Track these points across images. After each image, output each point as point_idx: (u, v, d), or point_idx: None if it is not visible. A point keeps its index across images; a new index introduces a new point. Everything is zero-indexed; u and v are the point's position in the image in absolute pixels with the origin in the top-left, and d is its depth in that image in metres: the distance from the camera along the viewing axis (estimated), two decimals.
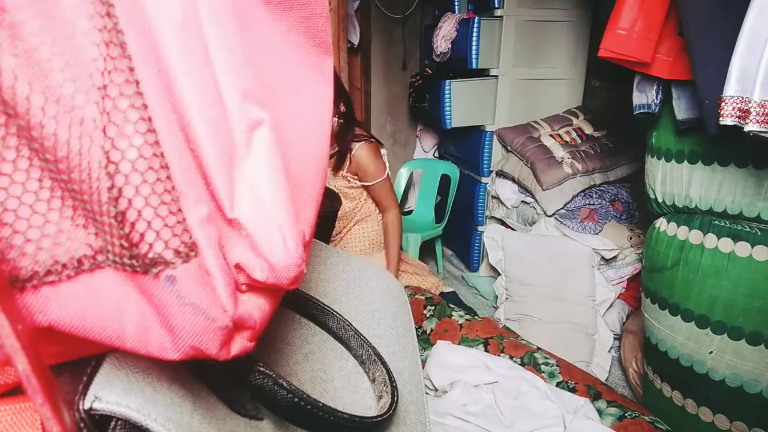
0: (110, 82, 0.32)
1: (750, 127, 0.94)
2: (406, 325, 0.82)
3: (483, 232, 2.50)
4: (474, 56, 2.31)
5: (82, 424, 0.37)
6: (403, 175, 2.86)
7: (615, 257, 2.01)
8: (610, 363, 1.86)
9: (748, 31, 0.95)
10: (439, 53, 2.56)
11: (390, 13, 3.02)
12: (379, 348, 0.68)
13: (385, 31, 3.10)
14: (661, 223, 1.40)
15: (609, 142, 2.31)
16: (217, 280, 0.36)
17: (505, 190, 2.41)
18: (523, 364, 1.22)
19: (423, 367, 1.31)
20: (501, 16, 2.29)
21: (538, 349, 1.28)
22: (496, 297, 2.23)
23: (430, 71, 2.81)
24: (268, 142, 0.40)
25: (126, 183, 0.32)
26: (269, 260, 0.38)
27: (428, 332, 1.38)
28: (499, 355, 1.25)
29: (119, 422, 0.38)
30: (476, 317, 1.43)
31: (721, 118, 1.00)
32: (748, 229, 1.18)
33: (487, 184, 2.53)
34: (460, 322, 1.36)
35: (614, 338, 1.94)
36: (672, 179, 1.33)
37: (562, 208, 2.13)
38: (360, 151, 1.64)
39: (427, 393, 1.24)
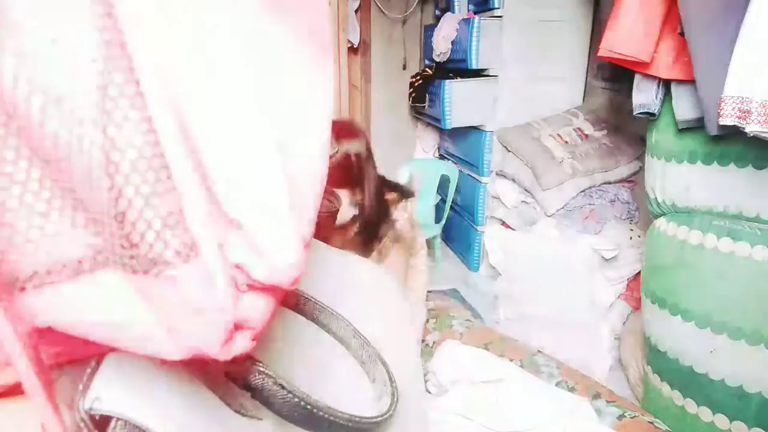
0: (110, 82, 0.32)
1: (751, 127, 0.94)
2: (406, 326, 0.82)
3: (483, 232, 2.50)
4: (474, 56, 2.31)
5: (82, 424, 0.37)
6: (402, 175, 2.86)
7: (615, 257, 2.01)
8: (610, 363, 1.86)
9: (747, 32, 0.95)
10: (439, 53, 2.56)
11: (390, 13, 3.02)
12: (379, 348, 0.68)
13: (385, 31, 3.10)
14: (661, 223, 1.40)
15: (609, 142, 2.31)
16: (217, 280, 0.36)
17: (505, 190, 2.41)
18: (523, 367, 1.22)
19: (427, 363, 1.31)
20: (501, 16, 2.28)
21: (539, 352, 1.28)
22: (496, 297, 2.23)
23: (430, 71, 2.81)
24: (268, 142, 0.40)
25: (126, 183, 0.32)
26: (269, 260, 0.38)
27: (431, 345, 1.40)
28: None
29: (119, 422, 0.38)
30: (475, 323, 1.44)
31: (721, 118, 1.00)
32: (747, 229, 1.18)
33: (487, 184, 2.53)
34: (460, 331, 1.38)
35: (614, 338, 1.94)
36: (672, 179, 1.33)
37: (562, 208, 2.13)
38: (406, 213, 1.32)
39: (429, 391, 1.24)
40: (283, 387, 0.46)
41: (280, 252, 0.39)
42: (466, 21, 2.33)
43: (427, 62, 3.02)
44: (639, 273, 1.96)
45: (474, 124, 2.50)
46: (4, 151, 0.31)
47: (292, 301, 0.67)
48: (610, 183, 2.21)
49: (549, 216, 2.16)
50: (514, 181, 2.36)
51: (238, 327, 0.38)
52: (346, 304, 0.75)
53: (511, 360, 1.25)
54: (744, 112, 0.96)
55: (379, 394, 0.64)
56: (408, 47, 3.17)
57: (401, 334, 0.79)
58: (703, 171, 1.25)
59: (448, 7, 2.63)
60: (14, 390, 0.41)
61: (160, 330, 0.35)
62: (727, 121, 0.99)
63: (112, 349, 0.41)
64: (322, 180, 0.52)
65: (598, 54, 1.32)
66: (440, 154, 3.21)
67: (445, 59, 2.54)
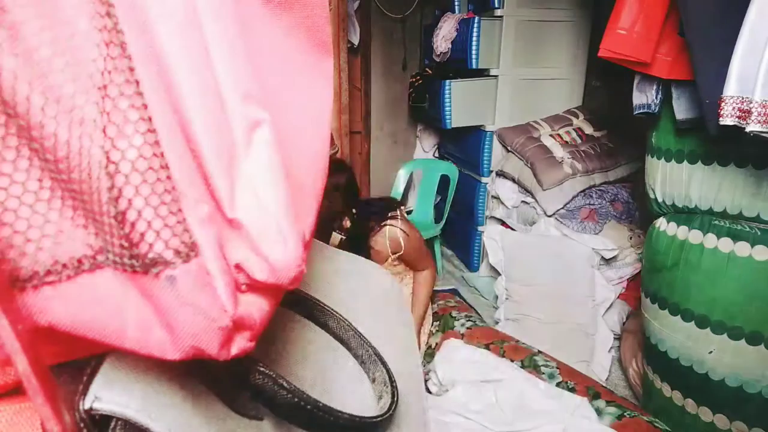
0: (110, 82, 0.32)
1: (752, 127, 0.94)
2: (406, 326, 0.82)
3: (483, 232, 2.50)
4: (474, 56, 2.31)
5: (82, 424, 0.37)
6: (402, 175, 2.86)
7: (615, 257, 2.01)
8: (610, 363, 1.86)
9: (747, 32, 0.95)
10: (439, 53, 2.56)
11: (390, 13, 3.02)
12: (379, 348, 0.68)
13: (385, 31, 3.10)
14: (661, 223, 1.40)
15: (609, 142, 2.31)
16: (217, 280, 0.36)
17: (505, 190, 2.41)
18: (523, 367, 1.23)
19: (428, 364, 1.32)
20: (501, 16, 2.29)
21: (539, 352, 1.29)
22: (496, 297, 2.23)
23: (430, 71, 2.81)
24: (268, 142, 0.40)
25: (126, 183, 0.32)
26: (269, 260, 0.38)
27: (433, 347, 1.41)
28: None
29: (119, 422, 0.38)
30: (477, 323, 1.44)
31: (721, 118, 1.00)
32: (747, 229, 1.18)
33: (487, 184, 2.53)
34: (461, 332, 1.39)
35: (614, 338, 1.94)
36: (672, 179, 1.33)
37: (562, 208, 2.13)
38: (382, 239, 1.43)
39: (429, 390, 1.24)
40: (283, 387, 0.46)
41: (280, 252, 0.39)
42: (466, 21, 2.33)
43: (427, 62, 3.02)
44: (639, 273, 1.96)
45: (474, 124, 2.50)
46: (4, 151, 0.31)
47: (291, 300, 0.67)
48: (609, 183, 2.21)
49: (549, 216, 2.16)
50: (514, 181, 2.36)
51: (237, 327, 0.38)
52: (345, 303, 0.75)
53: (512, 360, 1.25)
54: (744, 112, 0.96)
55: (379, 393, 0.64)
56: (408, 47, 3.17)
57: (401, 334, 0.79)
58: (703, 171, 1.25)
59: (448, 7, 2.63)
60: (14, 390, 0.41)
61: (160, 330, 0.35)
62: (727, 121, 0.99)
63: (112, 349, 0.41)
64: (323, 178, 0.52)
65: (598, 54, 1.32)
66: (440, 154, 3.21)
67: (445, 59, 2.54)
